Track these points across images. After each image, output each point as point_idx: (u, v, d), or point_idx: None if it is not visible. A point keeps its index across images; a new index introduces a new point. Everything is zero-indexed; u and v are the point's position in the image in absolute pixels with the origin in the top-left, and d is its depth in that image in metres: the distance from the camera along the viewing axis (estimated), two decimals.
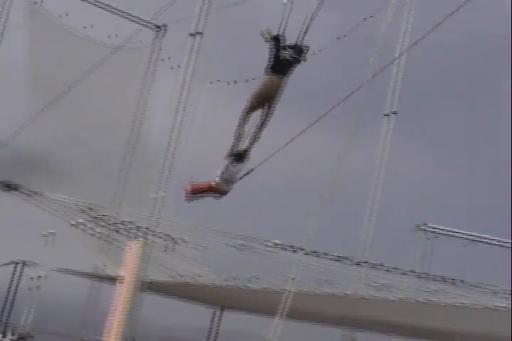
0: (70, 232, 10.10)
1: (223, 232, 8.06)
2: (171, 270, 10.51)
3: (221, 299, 13.25)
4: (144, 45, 15.48)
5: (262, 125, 10.16)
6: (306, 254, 8.18)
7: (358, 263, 7.76)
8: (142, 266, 10.21)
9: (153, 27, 15.19)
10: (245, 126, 10.08)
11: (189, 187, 9.83)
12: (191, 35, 11.85)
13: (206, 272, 10.68)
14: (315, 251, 7.88)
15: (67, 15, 13.86)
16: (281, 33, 10.15)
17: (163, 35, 15.15)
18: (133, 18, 14.81)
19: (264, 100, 10.05)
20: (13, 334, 17.80)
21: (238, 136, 10.00)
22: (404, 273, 7.43)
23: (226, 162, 10.13)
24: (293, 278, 9.00)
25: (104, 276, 13.40)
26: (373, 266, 7.82)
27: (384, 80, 15.05)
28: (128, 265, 6.50)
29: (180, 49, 13.22)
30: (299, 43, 10.25)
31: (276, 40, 10.22)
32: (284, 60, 10.08)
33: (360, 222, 13.98)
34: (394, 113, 14.33)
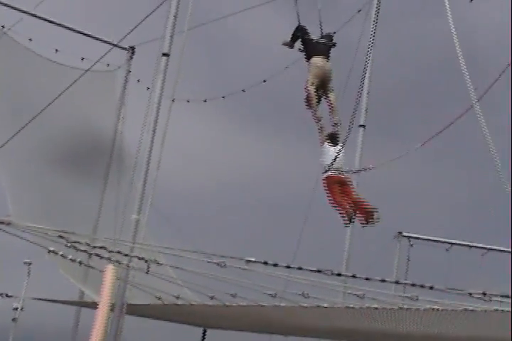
0: (47, 260, 10.06)
1: (201, 251, 8.05)
2: (150, 292, 10.48)
3: (204, 319, 13.23)
4: (115, 67, 15.53)
5: (333, 110, 10.00)
6: (288, 267, 8.19)
7: (338, 274, 7.78)
8: (121, 290, 10.20)
9: (123, 49, 15.24)
10: (317, 109, 9.90)
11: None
12: (164, 55, 11.91)
13: (186, 292, 10.67)
14: (292, 266, 7.89)
15: (30, 40, 13.87)
16: (299, 25, 10.14)
17: (131, 57, 15.21)
18: (102, 41, 14.85)
19: (319, 82, 9.90)
20: None
21: (318, 120, 9.85)
22: (383, 281, 7.46)
23: (327, 148, 9.83)
24: (275, 294, 9.02)
25: (86, 303, 13.35)
26: (353, 276, 7.85)
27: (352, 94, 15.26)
28: (106, 289, 6.48)
29: (153, 69, 13.29)
30: (322, 34, 10.22)
31: (299, 30, 10.25)
32: (318, 42, 10.08)
33: (339, 233, 14.07)
34: (362, 126, 14.51)
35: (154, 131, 11.19)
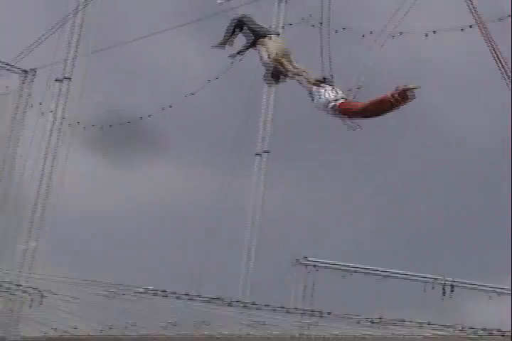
0: None
1: (94, 281, 7.91)
2: (43, 324, 10.19)
3: None
4: (11, 90, 15.20)
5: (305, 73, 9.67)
6: (187, 295, 8.13)
7: (229, 304, 7.79)
8: (13, 322, 9.86)
9: (20, 72, 14.93)
10: (291, 68, 9.53)
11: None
12: (57, 80, 11.73)
13: (81, 323, 10.41)
14: (191, 294, 7.85)
15: None
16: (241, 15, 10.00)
17: (32, 80, 14.91)
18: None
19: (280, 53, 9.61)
20: None
21: (299, 74, 9.46)
22: (274, 310, 7.52)
23: (319, 89, 9.46)
24: (175, 322, 8.93)
25: None
26: (245, 306, 7.88)
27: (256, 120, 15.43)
28: None
29: (50, 94, 13.06)
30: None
31: (243, 20, 10.06)
32: (259, 28, 9.91)
33: (237, 261, 14.10)
34: (266, 152, 14.66)
35: (50, 155, 10.97)
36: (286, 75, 9.68)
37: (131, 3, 17.93)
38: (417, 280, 16.25)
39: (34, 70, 15.13)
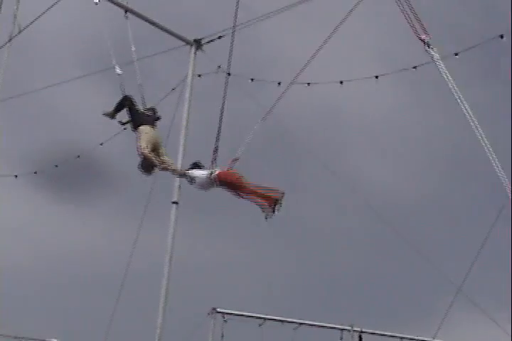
0: None
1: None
2: None
3: None
4: None
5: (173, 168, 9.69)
6: None
7: None
8: None
9: None
10: (159, 160, 9.59)
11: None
12: None
13: None
14: None
15: None
16: (124, 95, 10.15)
17: None
18: None
19: (152, 146, 9.74)
20: None
21: (168, 166, 9.52)
22: None
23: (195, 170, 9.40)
24: None
25: None
26: None
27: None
28: None
29: None
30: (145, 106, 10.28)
31: (125, 99, 10.18)
32: (144, 114, 10.07)
33: (152, 309, 13.92)
34: (175, 202, 14.64)
35: None
36: (156, 166, 10.01)
37: (38, 52, 17.88)
38: (327, 329, 16.42)
39: None
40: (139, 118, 10.26)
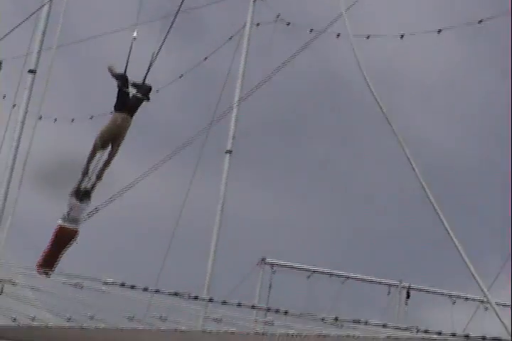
0: None
1: (58, 272, 7.90)
2: (3, 314, 10.13)
3: None
4: None
5: (104, 164, 10.13)
6: (145, 290, 8.17)
7: (195, 298, 7.83)
8: None
9: None
10: (90, 165, 10.01)
11: (38, 264, 9.52)
12: (30, 71, 11.67)
13: (43, 314, 10.37)
14: (150, 289, 7.88)
15: None
16: (126, 71, 10.20)
17: None
18: None
19: (109, 139, 10.04)
20: None
21: (83, 174, 9.96)
22: (239, 305, 7.58)
23: (72, 200, 9.96)
24: (133, 317, 8.94)
25: None
26: (209, 300, 7.91)
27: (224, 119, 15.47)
28: None
29: (18, 86, 12.99)
30: (144, 82, 10.33)
31: (121, 78, 10.25)
32: (132, 97, 10.14)
33: (202, 257, 14.15)
34: (229, 151, 14.70)
35: (17, 148, 10.94)
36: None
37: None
38: (375, 284, 16.49)
39: (0, 62, 15.02)
40: (123, 102, 10.17)
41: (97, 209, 10.48)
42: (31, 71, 11.65)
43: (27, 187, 11.77)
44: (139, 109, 10.31)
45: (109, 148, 10.24)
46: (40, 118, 12.63)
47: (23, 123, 11.06)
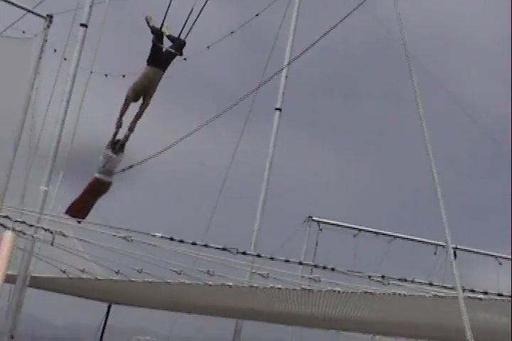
0: None
1: (107, 225, 7.99)
2: (54, 265, 10.34)
3: (109, 294, 13.14)
4: (31, 35, 15.14)
5: (136, 116, 10.33)
6: (194, 244, 8.23)
7: (243, 253, 7.87)
8: (24, 261, 10.02)
9: (41, 16, 14.83)
10: (123, 117, 10.22)
11: (68, 210, 9.77)
12: (82, 25, 11.66)
13: (92, 266, 10.56)
14: (198, 243, 7.93)
15: None
16: (162, 26, 10.16)
17: (49, 26, 14.83)
18: (18, 6, 14.41)
19: (141, 92, 10.18)
20: None
21: (117, 127, 10.18)
22: (287, 261, 7.60)
23: (108, 152, 10.17)
24: (180, 271, 9.04)
25: None
26: (257, 256, 7.95)
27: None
28: (2, 256, 6.37)
29: (70, 40, 13.01)
30: (179, 37, 10.31)
31: (156, 32, 10.23)
32: (165, 52, 10.15)
33: (250, 213, 14.21)
34: (278, 109, 14.62)
35: (68, 101, 11.00)
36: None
37: None
38: (421, 244, 16.42)
39: (51, 16, 15.05)
40: (156, 57, 10.21)
41: (130, 167, 10.62)
42: (83, 25, 11.65)
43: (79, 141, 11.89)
44: (172, 63, 10.37)
45: (141, 100, 10.41)
46: (92, 72, 12.68)
47: (74, 76, 11.08)
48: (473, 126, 15.24)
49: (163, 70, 10.34)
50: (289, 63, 14.51)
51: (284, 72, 14.85)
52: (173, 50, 10.28)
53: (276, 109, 14.74)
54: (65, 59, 13.08)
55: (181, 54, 10.42)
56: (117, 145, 10.17)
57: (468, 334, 5.65)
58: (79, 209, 9.97)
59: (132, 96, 10.21)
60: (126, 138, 10.25)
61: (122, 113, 10.24)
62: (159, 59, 10.28)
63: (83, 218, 9.72)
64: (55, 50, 14.83)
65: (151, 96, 10.28)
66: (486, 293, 7.41)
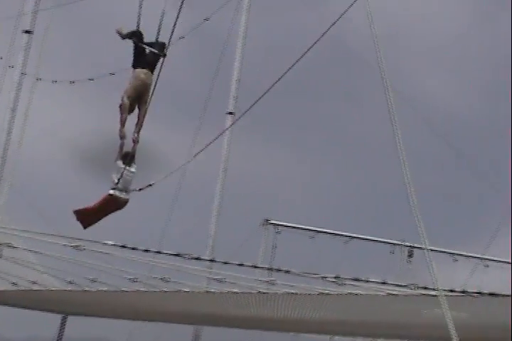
0: None
1: (58, 235, 7.85)
2: (3, 278, 10.12)
3: (63, 305, 12.92)
4: None
5: (137, 128, 9.97)
6: (146, 251, 8.12)
7: (196, 258, 7.80)
8: None
9: None
10: (124, 127, 9.82)
11: (77, 215, 9.37)
12: (26, 32, 11.49)
13: (44, 277, 10.36)
14: (151, 250, 7.84)
15: None
16: (138, 26, 10.00)
17: None
18: None
19: (136, 96, 9.84)
20: None
21: (121, 138, 9.77)
22: (240, 265, 7.56)
23: (120, 165, 9.70)
24: (135, 279, 8.92)
25: None
26: (211, 261, 7.89)
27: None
28: None
29: (14, 47, 12.82)
30: (157, 40, 10.15)
31: (135, 34, 10.05)
32: (149, 53, 9.97)
33: (205, 218, 14.12)
34: (231, 113, 14.59)
35: (14, 110, 10.82)
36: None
37: None
38: (378, 244, 16.50)
39: None
40: (140, 58, 10.06)
41: (151, 184, 10.29)
42: (27, 31, 11.47)
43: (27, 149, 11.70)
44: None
45: (137, 109, 10.08)
46: (38, 79, 12.50)
47: (19, 83, 10.90)
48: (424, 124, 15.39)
49: (152, 72, 10.11)
50: (289, 68, 14.49)
51: (235, 75, 14.85)
52: (156, 51, 10.07)
53: (228, 113, 14.71)
54: (12, 67, 12.89)
55: (165, 55, 10.22)
56: (128, 158, 9.78)
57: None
58: (87, 217, 9.51)
59: (127, 103, 9.85)
60: (134, 150, 9.88)
61: (123, 123, 9.84)
62: (145, 60, 10.04)
63: (85, 227, 9.31)
64: (0, 58, 14.59)
65: (146, 102, 9.96)
66: (436, 289, 7.41)
